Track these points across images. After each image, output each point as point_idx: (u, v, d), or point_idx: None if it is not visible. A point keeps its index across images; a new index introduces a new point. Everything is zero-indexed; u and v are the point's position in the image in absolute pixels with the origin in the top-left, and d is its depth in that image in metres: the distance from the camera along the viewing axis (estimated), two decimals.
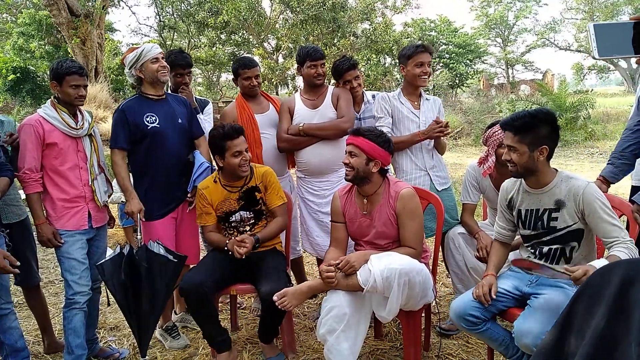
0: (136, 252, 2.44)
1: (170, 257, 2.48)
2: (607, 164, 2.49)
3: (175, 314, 3.20)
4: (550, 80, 25.31)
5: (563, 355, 1.21)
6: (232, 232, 2.77)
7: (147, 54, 2.72)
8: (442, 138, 2.92)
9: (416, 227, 2.38)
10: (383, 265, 2.13)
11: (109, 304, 2.81)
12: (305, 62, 3.06)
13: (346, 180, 2.45)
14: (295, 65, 3.33)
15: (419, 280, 2.18)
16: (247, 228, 2.76)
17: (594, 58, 1.06)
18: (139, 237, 2.62)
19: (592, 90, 23.08)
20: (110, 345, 2.95)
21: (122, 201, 4.66)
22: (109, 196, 2.77)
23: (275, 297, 2.27)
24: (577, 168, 9.03)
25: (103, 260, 2.42)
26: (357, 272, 2.21)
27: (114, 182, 2.98)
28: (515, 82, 32.26)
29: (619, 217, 2.27)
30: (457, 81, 29.10)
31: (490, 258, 2.36)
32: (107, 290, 2.52)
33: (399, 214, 2.37)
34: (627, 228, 2.25)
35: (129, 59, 2.75)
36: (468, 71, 30.70)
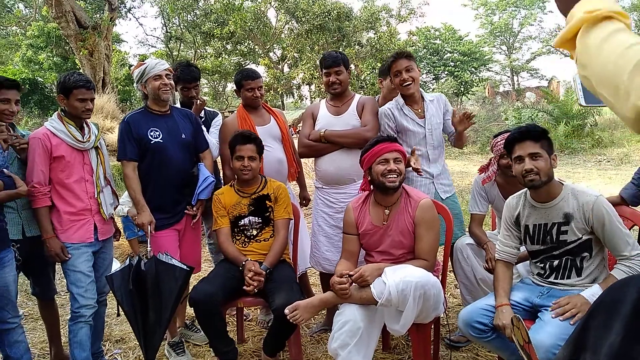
0: (145, 263, 2.43)
1: (179, 268, 2.47)
2: (630, 182, 2.39)
3: None
4: (555, 88, 25.20)
5: None
6: (239, 236, 2.79)
7: (150, 70, 2.71)
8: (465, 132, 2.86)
9: (432, 239, 2.34)
10: (399, 278, 2.09)
11: (118, 315, 2.79)
12: (322, 70, 3.05)
13: (394, 187, 2.34)
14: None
15: (434, 293, 2.14)
16: (255, 232, 2.78)
17: (580, 105, 1.14)
18: (148, 248, 2.61)
19: None
20: (115, 358, 2.94)
21: (124, 215, 4.65)
22: (114, 208, 2.77)
23: (286, 311, 2.23)
24: (584, 176, 8.95)
25: (113, 272, 2.42)
26: (371, 285, 2.17)
27: (123, 195, 2.96)
28: (520, 90, 32.20)
29: (631, 227, 2.24)
30: (462, 89, 29.12)
31: (499, 284, 2.20)
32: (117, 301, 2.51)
33: (417, 223, 2.34)
34: (638, 239, 2.22)
35: (135, 74, 2.76)
36: (473, 79, 30.74)
